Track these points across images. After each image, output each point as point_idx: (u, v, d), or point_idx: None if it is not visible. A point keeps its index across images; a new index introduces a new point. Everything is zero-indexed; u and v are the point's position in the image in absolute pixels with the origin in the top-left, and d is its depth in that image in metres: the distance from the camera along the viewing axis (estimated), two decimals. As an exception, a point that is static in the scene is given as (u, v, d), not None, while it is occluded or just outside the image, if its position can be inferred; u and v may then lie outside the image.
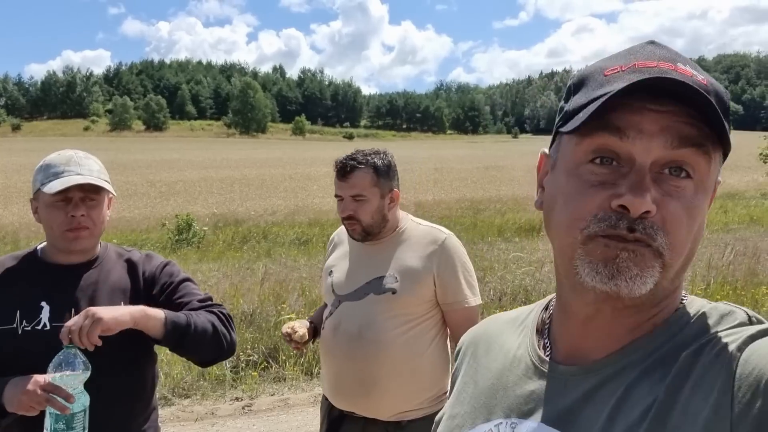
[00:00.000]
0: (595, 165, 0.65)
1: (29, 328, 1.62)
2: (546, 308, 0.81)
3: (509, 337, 0.83)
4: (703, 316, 0.66)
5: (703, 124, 0.62)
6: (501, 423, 0.73)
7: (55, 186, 1.62)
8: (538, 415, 0.70)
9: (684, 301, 0.70)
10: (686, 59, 0.67)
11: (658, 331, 0.67)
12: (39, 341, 1.59)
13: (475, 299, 2.05)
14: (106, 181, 1.75)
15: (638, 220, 0.62)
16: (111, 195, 1.79)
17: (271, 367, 5.15)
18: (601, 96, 0.64)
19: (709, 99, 0.61)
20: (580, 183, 0.66)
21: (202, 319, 1.69)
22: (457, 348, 0.94)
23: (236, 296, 6.32)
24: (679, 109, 0.62)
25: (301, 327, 2.15)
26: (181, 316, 1.65)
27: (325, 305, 2.28)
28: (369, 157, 2.03)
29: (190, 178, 31.27)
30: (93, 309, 1.49)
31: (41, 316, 1.64)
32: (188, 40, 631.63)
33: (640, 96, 0.63)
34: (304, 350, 2.22)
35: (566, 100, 0.71)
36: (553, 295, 0.79)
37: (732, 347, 0.59)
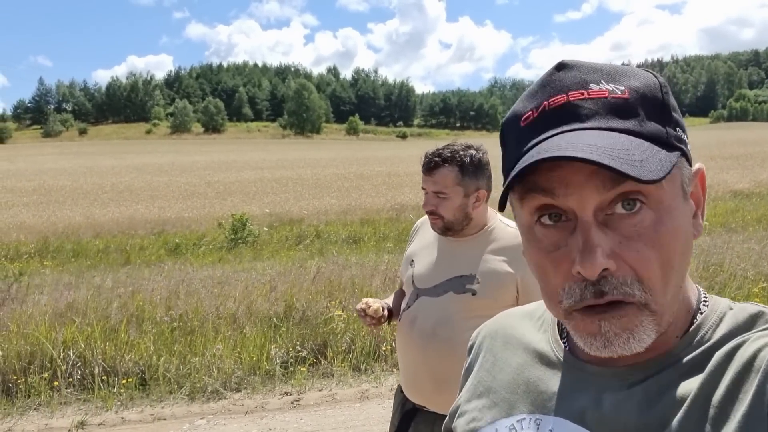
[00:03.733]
0: (542, 226, 0.62)
1: None
2: None
3: (528, 331, 0.81)
4: (732, 317, 0.64)
5: (639, 179, 0.56)
6: (524, 419, 0.72)
7: None
8: (563, 412, 0.68)
9: (707, 303, 0.68)
10: (602, 72, 0.63)
11: (687, 339, 0.65)
12: None
13: None
14: None
15: (603, 281, 0.58)
16: None
17: (320, 362, 5.22)
18: (522, 157, 0.62)
19: (610, 166, 0.54)
20: (539, 251, 0.63)
21: None
22: (471, 342, 0.92)
23: (289, 293, 6.43)
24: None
25: (375, 302, 2.13)
26: None
27: (402, 292, 2.27)
28: (458, 154, 1.99)
29: (247, 178, 31.91)
30: None
31: None
32: (247, 44, 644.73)
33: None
34: (379, 329, 2.19)
35: (501, 146, 0.70)
36: None
37: None
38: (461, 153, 1.99)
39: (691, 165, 0.66)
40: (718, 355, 0.60)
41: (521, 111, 0.66)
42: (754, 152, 36.22)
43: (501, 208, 0.68)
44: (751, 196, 17.08)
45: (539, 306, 0.84)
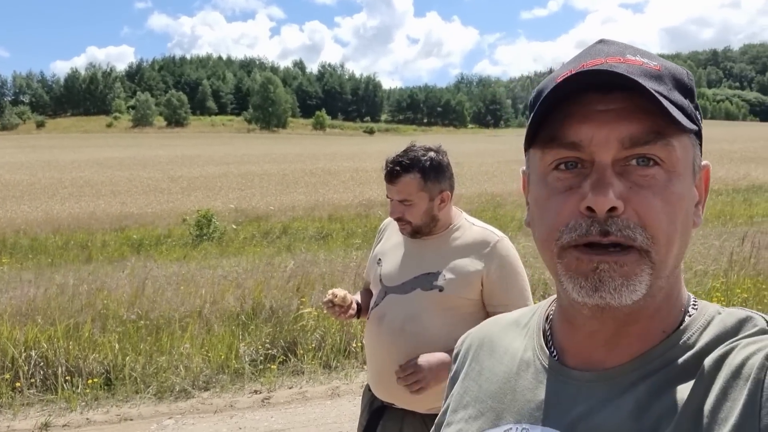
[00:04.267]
0: (560, 171, 0.65)
1: None
2: (547, 317, 0.79)
3: (514, 339, 0.80)
4: (720, 322, 0.64)
5: (657, 112, 0.60)
6: (511, 428, 0.71)
7: None
8: (550, 421, 0.68)
9: (696, 306, 0.68)
10: (637, 50, 0.66)
11: (674, 338, 0.65)
12: None
13: (524, 303, 1.99)
14: None
15: (610, 220, 0.60)
16: None
17: (290, 360, 5.19)
18: (546, 104, 0.64)
19: (643, 84, 0.59)
20: (549, 191, 0.65)
21: None
22: (456, 350, 0.90)
23: (257, 291, 6.37)
24: (629, 103, 0.61)
25: (340, 291, 2.14)
26: None
27: (368, 291, 2.30)
28: (418, 160, 2.01)
29: (211, 173, 31.51)
30: None
31: None
32: (211, 36, 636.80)
33: (590, 97, 0.62)
34: (350, 319, 2.20)
35: (529, 115, 0.70)
36: (554, 297, 0.77)
37: (759, 355, 0.57)
38: (421, 158, 2.01)
39: (701, 154, 0.69)
40: (708, 361, 0.60)
41: (558, 73, 0.68)
42: (712, 149, 37.25)
43: (527, 146, 0.70)
44: (710, 192, 17.55)
45: (525, 313, 0.84)
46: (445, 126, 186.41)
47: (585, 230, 0.61)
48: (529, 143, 0.68)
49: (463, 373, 0.84)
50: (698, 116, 0.67)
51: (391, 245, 2.19)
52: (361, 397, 2.30)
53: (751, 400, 0.55)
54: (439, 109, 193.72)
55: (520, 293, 2.01)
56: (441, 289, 1.98)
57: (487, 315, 1.99)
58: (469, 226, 2.10)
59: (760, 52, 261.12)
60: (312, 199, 19.61)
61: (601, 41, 0.69)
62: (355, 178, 26.72)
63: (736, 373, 0.57)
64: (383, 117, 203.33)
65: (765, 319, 0.63)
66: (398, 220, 2.06)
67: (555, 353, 0.73)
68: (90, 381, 4.65)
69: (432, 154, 2.03)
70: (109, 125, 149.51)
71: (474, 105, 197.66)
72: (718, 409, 0.57)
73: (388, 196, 2.08)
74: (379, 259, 2.18)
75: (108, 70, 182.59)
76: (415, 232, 2.07)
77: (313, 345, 5.32)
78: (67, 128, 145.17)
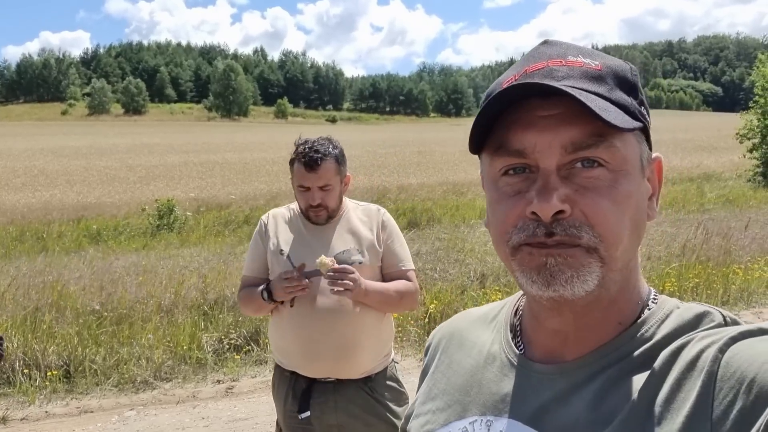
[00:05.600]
0: (509, 176, 0.67)
1: None
2: (516, 311, 0.81)
3: (482, 333, 0.83)
4: (678, 316, 0.66)
5: (598, 115, 0.60)
6: (476, 420, 0.73)
7: None
8: (513, 413, 0.70)
9: (655, 301, 0.70)
10: (580, 50, 0.68)
11: (631, 331, 0.67)
12: None
13: (411, 264, 2.32)
14: None
15: (555, 223, 0.62)
16: None
17: (253, 350, 5.19)
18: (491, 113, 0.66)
19: (575, 95, 0.60)
20: (499, 195, 0.68)
21: None
22: (427, 343, 0.93)
23: (218, 280, 6.34)
24: (570, 108, 0.62)
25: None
26: None
27: (258, 284, 2.29)
28: (329, 147, 2.20)
29: (171, 162, 30.96)
30: None
31: None
32: (170, 22, 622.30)
33: (533, 103, 0.64)
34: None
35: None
36: (522, 292, 0.79)
37: (713, 348, 0.58)
38: (330, 146, 2.22)
39: (651, 149, 0.71)
40: (664, 354, 0.62)
41: (503, 78, 0.70)
42: (666, 139, 38.15)
43: (476, 151, 0.71)
44: (665, 182, 18.00)
45: (494, 307, 0.86)
46: (407, 115, 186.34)
47: (532, 231, 0.64)
48: (478, 148, 0.70)
49: (433, 366, 0.87)
50: (643, 111, 0.68)
51: (291, 236, 2.29)
52: (276, 390, 2.33)
53: (704, 392, 0.56)
54: (401, 97, 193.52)
55: (406, 255, 2.30)
56: (361, 262, 2.19)
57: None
58: (356, 206, 2.36)
59: (713, 43, 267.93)
60: (274, 188, 19.44)
61: (545, 43, 0.71)
62: (318, 167, 26.55)
63: (691, 365, 0.59)
64: (346, 105, 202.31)
65: (722, 314, 0.65)
66: (317, 207, 2.20)
67: (522, 346, 0.76)
68: (49, 373, 4.58)
69: (334, 142, 2.26)
70: (64, 113, 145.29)
71: (436, 94, 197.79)
72: (671, 400, 0.58)
73: (302, 186, 2.21)
74: (281, 250, 2.25)
75: (62, 56, 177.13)
76: (329, 217, 2.24)
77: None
78: (19, 115, 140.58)
